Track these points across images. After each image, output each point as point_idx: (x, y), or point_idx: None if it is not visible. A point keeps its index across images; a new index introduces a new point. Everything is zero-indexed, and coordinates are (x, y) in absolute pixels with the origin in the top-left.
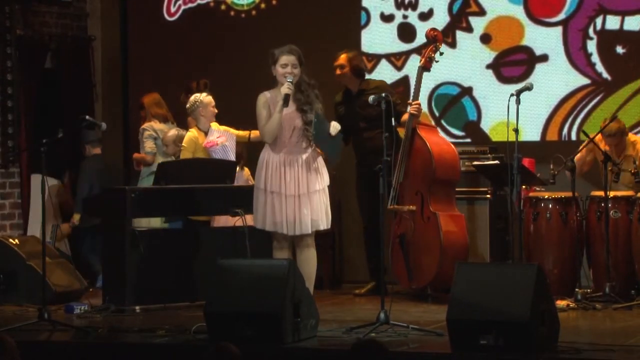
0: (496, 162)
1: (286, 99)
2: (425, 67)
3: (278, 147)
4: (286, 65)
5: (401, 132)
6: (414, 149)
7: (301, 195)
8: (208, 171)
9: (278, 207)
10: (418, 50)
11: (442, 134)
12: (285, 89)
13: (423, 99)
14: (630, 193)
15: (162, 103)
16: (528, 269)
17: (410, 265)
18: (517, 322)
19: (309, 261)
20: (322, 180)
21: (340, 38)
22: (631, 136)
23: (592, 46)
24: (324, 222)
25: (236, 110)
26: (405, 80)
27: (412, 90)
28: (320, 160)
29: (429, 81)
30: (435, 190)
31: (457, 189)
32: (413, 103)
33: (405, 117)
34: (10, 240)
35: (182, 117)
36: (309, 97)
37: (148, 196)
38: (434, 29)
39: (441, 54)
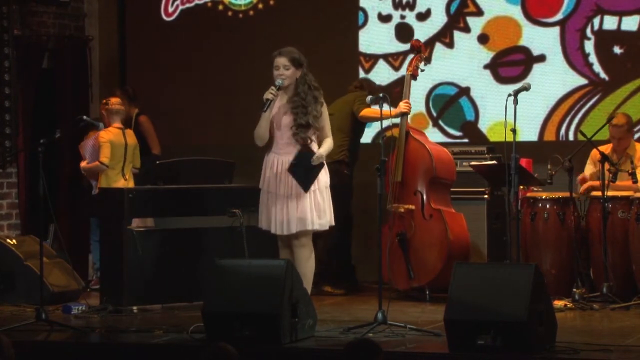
0: (494, 162)
1: (266, 104)
2: (414, 75)
3: (273, 147)
4: (278, 67)
5: (394, 132)
6: (408, 150)
7: (290, 195)
8: (206, 171)
9: (271, 206)
10: None
11: (439, 134)
12: (267, 93)
13: (421, 98)
14: (629, 193)
15: None
16: (525, 269)
17: (411, 263)
18: (515, 322)
19: (304, 261)
20: (316, 181)
21: (337, 38)
22: (637, 144)
23: (589, 46)
24: (315, 222)
25: (234, 110)
26: (403, 80)
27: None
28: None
29: (427, 81)
30: (434, 190)
31: (454, 189)
32: (403, 101)
33: (370, 112)
34: (8, 240)
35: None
36: (305, 99)
37: (145, 196)
38: (417, 40)
39: (426, 63)
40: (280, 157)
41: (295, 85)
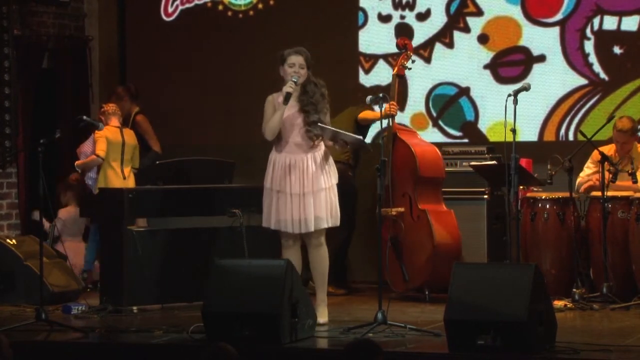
0: (494, 162)
1: (287, 97)
2: (399, 75)
3: (282, 146)
4: (293, 65)
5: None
6: (396, 152)
7: (306, 193)
8: (206, 171)
9: (282, 205)
10: (415, 51)
11: (439, 134)
12: (287, 87)
13: (420, 98)
14: (629, 193)
15: None
16: (525, 269)
17: (405, 265)
18: (515, 323)
19: (321, 260)
20: (329, 178)
21: (337, 38)
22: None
23: (589, 46)
24: (329, 220)
25: (235, 110)
26: (403, 80)
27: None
28: (327, 159)
29: (427, 81)
30: (421, 190)
31: (454, 189)
32: (389, 104)
33: (368, 114)
34: (8, 240)
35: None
36: (314, 97)
37: (145, 196)
38: (403, 38)
39: (413, 61)
40: (294, 156)
41: (303, 84)
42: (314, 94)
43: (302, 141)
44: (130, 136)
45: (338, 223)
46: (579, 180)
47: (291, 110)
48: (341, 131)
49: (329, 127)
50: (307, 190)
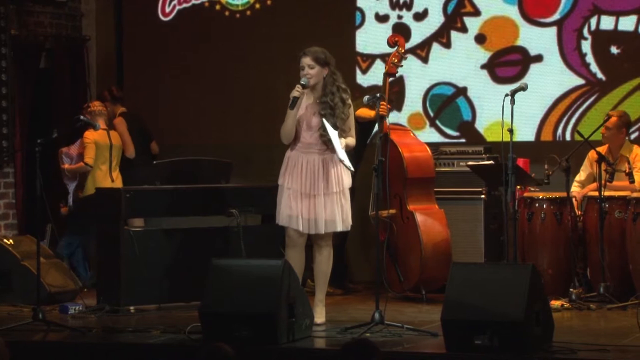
0: (491, 162)
1: (293, 102)
2: (390, 73)
3: (296, 145)
4: (303, 68)
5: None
6: (387, 153)
7: (317, 195)
8: (203, 171)
9: (294, 203)
10: (412, 51)
11: (436, 134)
12: (294, 91)
13: (418, 98)
14: (626, 193)
15: None
16: (522, 269)
17: (400, 267)
18: (512, 323)
19: (326, 261)
20: (341, 182)
21: (335, 38)
22: (635, 147)
23: (586, 46)
24: (341, 224)
25: (232, 110)
26: (400, 80)
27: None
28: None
29: (424, 81)
30: (411, 191)
31: (451, 189)
32: (380, 104)
33: (365, 112)
34: (5, 240)
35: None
36: (334, 101)
37: (143, 196)
38: (394, 35)
39: (405, 58)
40: (306, 156)
41: (324, 84)
42: (334, 97)
43: (315, 143)
44: (116, 138)
45: (349, 227)
46: (574, 186)
47: (310, 110)
48: (334, 141)
49: (329, 131)
50: (318, 192)
